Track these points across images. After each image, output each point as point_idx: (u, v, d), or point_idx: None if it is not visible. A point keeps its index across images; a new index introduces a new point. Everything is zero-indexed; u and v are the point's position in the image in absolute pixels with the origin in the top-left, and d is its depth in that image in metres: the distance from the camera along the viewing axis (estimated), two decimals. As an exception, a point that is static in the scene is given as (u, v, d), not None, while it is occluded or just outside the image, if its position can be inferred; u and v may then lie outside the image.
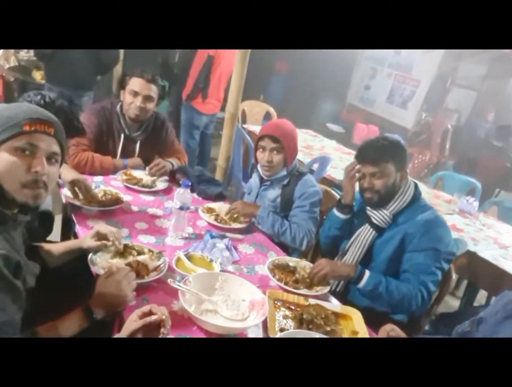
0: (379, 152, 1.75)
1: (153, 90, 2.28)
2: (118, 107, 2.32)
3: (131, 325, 1.03)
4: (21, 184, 1.06)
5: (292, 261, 1.75)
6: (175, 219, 1.79)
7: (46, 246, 1.49)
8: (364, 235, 1.84)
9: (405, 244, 1.71)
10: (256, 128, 4.18)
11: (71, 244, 1.55)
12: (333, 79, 7.20)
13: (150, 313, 1.06)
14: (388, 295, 1.61)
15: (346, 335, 1.43)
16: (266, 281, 1.62)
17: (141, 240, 1.71)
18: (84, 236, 1.55)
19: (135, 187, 2.16)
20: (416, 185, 1.84)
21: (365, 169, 1.78)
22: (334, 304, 1.56)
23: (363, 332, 1.44)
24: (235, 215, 2.00)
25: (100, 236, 1.51)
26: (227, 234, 1.94)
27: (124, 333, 1.02)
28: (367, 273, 1.63)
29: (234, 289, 1.45)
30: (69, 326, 1.14)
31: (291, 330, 1.29)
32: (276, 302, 1.51)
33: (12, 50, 4.39)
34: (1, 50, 4.32)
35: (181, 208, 1.77)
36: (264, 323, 1.36)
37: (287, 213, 2.10)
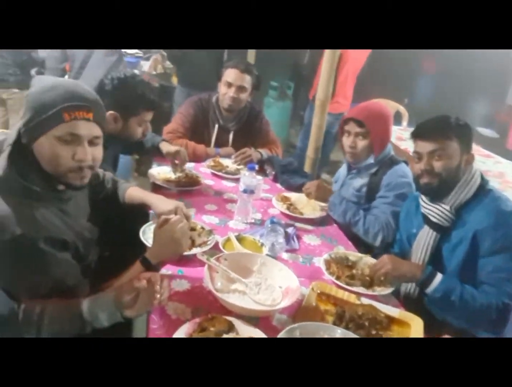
0: (441, 127, 1.44)
1: (247, 81, 2.31)
2: (214, 98, 2.42)
3: (128, 282, 1.04)
4: (66, 170, 1.09)
5: (354, 255, 1.56)
6: (239, 203, 1.78)
7: (131, 191, 1.59)
8: (424, 238, 1.53)
9: (477, 246, 1.36)
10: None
11: (149, 200, 1.56)
12: (490, 79, 6.29)
13: (149, 280, 1.05)
14: (463, 304, 1.31)
15: (395, 344, 1.20)
16: (320, 273, 1.48)
17: (203, 219, 1.74)
18: (160, 205, 1.52)
19: (219, 173, 2.22)
20: (481, 174, 1.47)
21: (423, 148, 1.47)
22: (392, 308, 1.33)
23: (419, 344, 1.19)
24: (309, 196, 1.91)
25: (178, 212, 1.45)
26: (297, 224, 1.84)
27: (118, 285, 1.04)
28: (438, 276, 1.36)
29: (272, 273, 1.36)
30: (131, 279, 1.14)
31: (307, 323, 1.13)
32: (321, 295, 1.36)
33: (159, 59, 4.99)
34: (151, 59, 4.96)
35: (244, 191, 1.74)
36: (294, 313, 1.24)
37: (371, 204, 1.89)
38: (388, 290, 1.41)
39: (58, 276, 1.11)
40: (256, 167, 1.78)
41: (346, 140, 1.91)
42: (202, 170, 2.28)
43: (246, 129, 2.47)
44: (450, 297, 1.32)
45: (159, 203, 1.50)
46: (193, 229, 1.56)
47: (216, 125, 2.43)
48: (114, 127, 1.71)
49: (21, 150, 1.10)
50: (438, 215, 1.47)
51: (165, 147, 2.08)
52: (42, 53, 3.88)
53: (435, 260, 1.50)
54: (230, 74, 2.30)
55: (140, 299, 1.04)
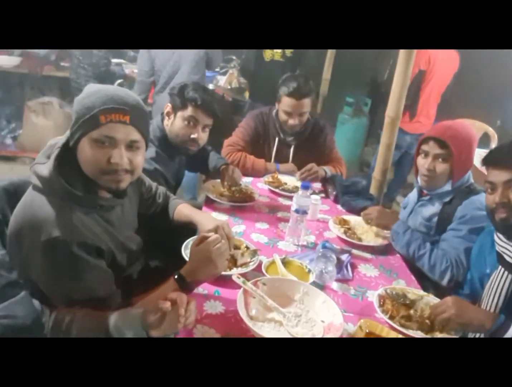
0: None
1: (306, 105, 2.20)
2: (274, 111, 2.35)
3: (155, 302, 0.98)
4: (102, 173, 1.10)
5: (414, 293, 1.37)
6: (290, 222, 1.67)
7: (181, 208, 1.57)
8: (498, 281, 1.28)
9: None
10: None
11: (195, 217, 1.51)
12: None
13: (175, 301, 0.98)
14: None
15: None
16: (372, 310, 1.31)
17: (251, 237, 1.66)
18: (204, 223, 1.46)
19: (276, 190, 2.13)
20: None
21: (497, 177, 1.24)
22: (454, 362, 1.13)
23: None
24: (368, 222, 1.73)
25: (219, 231, 1.33)
26: (354, 251, 1.68)
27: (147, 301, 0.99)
28: None
29: (314, 305, 1.23)
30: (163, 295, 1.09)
31: None
32: (370, 335, 1.20)
33: (235, 74, 5.08)
34: (227, 74, 5.06)
35: (296, 211, 1.63)
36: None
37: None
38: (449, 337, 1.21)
39: (89, 283, 1.10)
40: (313, 185, 1.65)
41: (423, 162, 1.70)
42: (259, 186, 2.21)
43: (309, 145, 2.36)
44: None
45: (204, 221, 1.45)
46: (236, 247, 1.48)
47: (277, 139, 2.35)
48: (167, 123, 1.76)
49: (67, 153, 1.12)
50: None
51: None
52: (126, 67, 4.14)
53: (510, 309, 1.26)
54: (287, 104, 2.19)
55: (167, 319, 0.98)
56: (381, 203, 4.01)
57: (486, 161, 1.29)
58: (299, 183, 2.17)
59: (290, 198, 2.08)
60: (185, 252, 1.41)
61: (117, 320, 1.01)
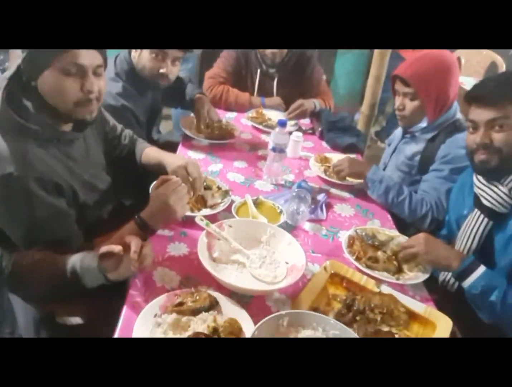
0: (504, 89, 1.11)
1: None
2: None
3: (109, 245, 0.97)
4: (75, 104, 1.07)
5: (385, 234, 1.35)
6: (268, 161, 1.62)
7: (148, 152, 1.49)
8: (473, 224, 1.24)
9: None
10: (465, 81, 3.37)
11: (163, 159, 1.42)
12: None
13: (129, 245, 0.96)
14: (504, 310, 1.07)
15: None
16: (341, 251, 1.30)
17: (227, 177, 1.62)
18: (170, 163, 1.40)
19: (260, 126, 2.05)
20: None
21: (479, 116, 1.15)
22: (417, 303, 1.13)
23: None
24: (340, 173, 1.65)
25: (181, 172, 1.34)
26: (333, 190, 1.65)
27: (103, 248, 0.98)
28: (480, 269, 1.12)
29: (280, 247, 1.21)
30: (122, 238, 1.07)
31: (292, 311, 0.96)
32: (334, 277, 1.20)
33: None
34: None
35: (273, 149, 1.57)
36: (295, 295, 1.10)
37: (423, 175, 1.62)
38: (417, 280, 1.20)
39: (47, 222, 1.07)
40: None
41: (396, 100, 1.62)
42: (243, 122, 2.12)
43: (294, 77, 2.23)
44: (489, 297, 1.08)
45: (172, 160, 1.39)
46: (208, 188, 1.45)
47: (259, 70, 2.21)
48: (135, 56, 1.65)
49: (20, 87, 1.06)
50: (492, 197, 1.19)
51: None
52: None
53: (484, 252, 1.23)
54: None
55: (123, 263, 0.97)
56: (373, 138, 3.90)
57: (468, 97, 1.20)
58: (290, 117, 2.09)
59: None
60: None
61: (75, 263, 1.00)
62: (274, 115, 2.13)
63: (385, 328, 1.05)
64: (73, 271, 0.98)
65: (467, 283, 1.13)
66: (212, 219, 1.26)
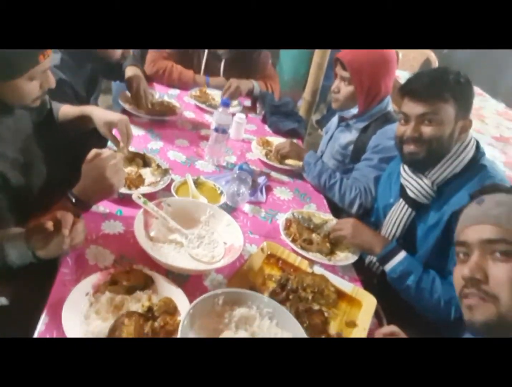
0: (436, 86, 1.19)
1: None
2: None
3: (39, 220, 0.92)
4: (35, 100, 1.13)
5: (320, 217, 1.41)
6: (210, 141, 1.61)
7: (65, 108, 1.41)
8: (398, 212, 1.34)
9: (452, 232, 1.18)
10: (401, 74, 3.54)
11: (84, 111, 1.38)
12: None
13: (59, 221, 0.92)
14: (417, 293, 1.17)
15: (336, 322, 1.09)
16: (278, 233, 1.33)
17: (168, 156, 1.59)
18: (100, 116, 1.35)
19: (203, 106, 2.02)
20: (477, 144, 1.25)
21: (411, 109, 1.23)
22: (345, 283, 1.20)
23: (363, 327, 1.07)
24: (280, 151, 1.70)
25: (111, 127, 1.34)
26: (273, 173, 1.68)
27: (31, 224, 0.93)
28: (400, 255, 1.20)
29: (219, 227, 1.22)
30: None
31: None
32: (270, 258, 1.23)
33: None
34: None
35: (216, 130, 1.56)
36: (231, 273, 1.12)
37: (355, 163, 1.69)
38: (347, 261, 1.27)
39: None
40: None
41: (334, 83, 1.69)
42: (186, 100, 2.08)
43: (241, 59, 2.21)
44: (406, 281, 1.18)
45: (101, 113, 1.33)
46: (146, 165, 1.42)
47: (206, 50, 2.18)
48: None
49: None
50: (416, 189, 1.27)
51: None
52: None
53: (407, 240, 1.32)
54: None
55: (54, 240, 0.93)
56: (314, 126, 4.00)
57: (402, 91, 1.26)
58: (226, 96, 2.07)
59: (217, 115, 2.00)
60: None
61: (1, 239, 0.95)
62: (218, 95, 2.11)
63: (316, 307, 1.11)
64: None
65: (388, 267, 1.22)
66: (151, 197, 1.23)
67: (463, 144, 1.22)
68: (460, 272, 0.81)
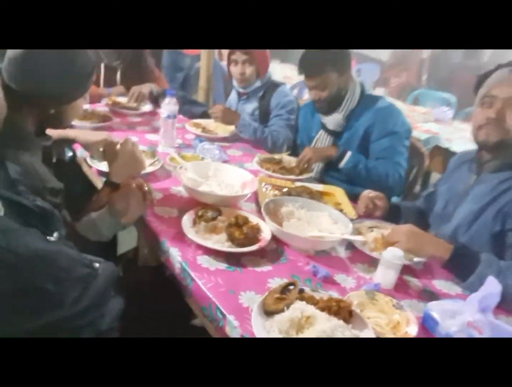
0: (317, 65, 1.79)
1: None
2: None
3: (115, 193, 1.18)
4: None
5: (276, 156, 1.90)
6: (163, 129, 1.90)
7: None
8: (322, 139, 1.96)
9: (368, 137, 1.82)
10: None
11: (68, 134, 1.49)
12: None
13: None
14: (367, 172, 1.76)
15: (331, 204, 1.58)
16: (255, 174, 1.75)
17: (134, 149, 1.81)
18: (86, 139, 1.51)
19: (123, 110, 2.24)
20: (362, 84, 1.92)
21: (308, 83, 1.84)
22: (318, 185, 1.72)
23: (345, 202, 1.60)
24: (217, 119, 2.12)
25: (98, 147, 1.46)
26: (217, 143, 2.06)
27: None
28: (348, 152, 1.78)
29: (227, 174, 1.57)
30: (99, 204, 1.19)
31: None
32: (265, 186, 1.66)
33: None
34: None
35: (168, 117, 1.86)
36: (255, 198, 1.52)
37: (266, 123, 2.22)
38: (310, 175, 1.80)
39: None
40: (174, 92, 1.89)
41: (235, 69, 2.17)
42: (101, 111, 2.25)
43: (133, 68, 2.49)
44: (358, 167, 1.76)
45: (85, 135, 1.52)
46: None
47: (102, 64, 2.39)
48: None
49: None
50: (333, 123, 1.90)
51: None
52: None
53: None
54: None
55: (131, 206, 1.17)
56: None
57: (298, 71, 1.85)
58: (132, 103, 2.32)
59: (138, 115, 2.26)
60: (92, 161, 1.54)
61: (92, 219, 1.14)
62: (124, 100, 2.35)
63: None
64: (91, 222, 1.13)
65: (343, 162, 1.78)
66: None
67: (353, 88, 1.86)
68: (485, 114, 1.19)
